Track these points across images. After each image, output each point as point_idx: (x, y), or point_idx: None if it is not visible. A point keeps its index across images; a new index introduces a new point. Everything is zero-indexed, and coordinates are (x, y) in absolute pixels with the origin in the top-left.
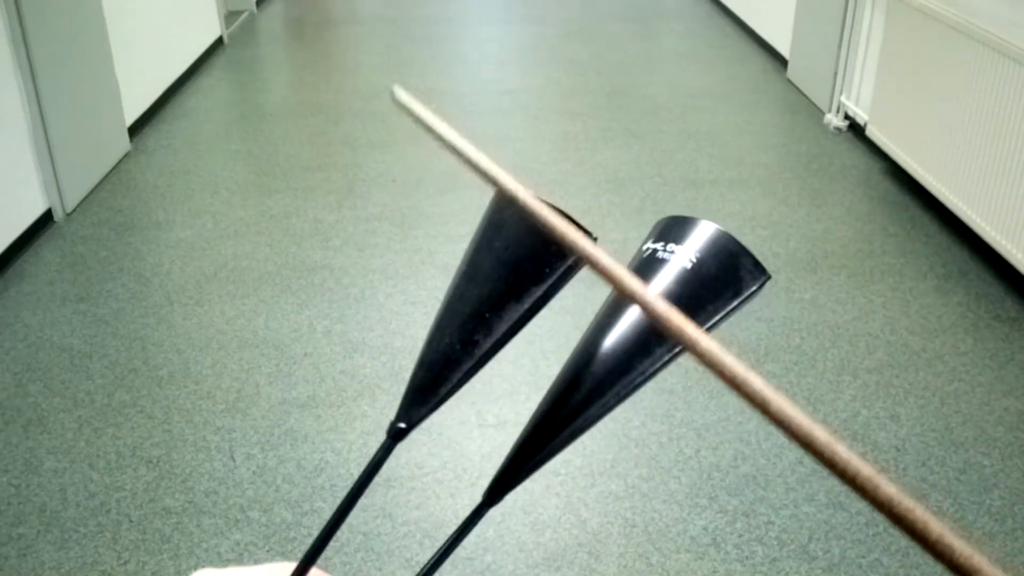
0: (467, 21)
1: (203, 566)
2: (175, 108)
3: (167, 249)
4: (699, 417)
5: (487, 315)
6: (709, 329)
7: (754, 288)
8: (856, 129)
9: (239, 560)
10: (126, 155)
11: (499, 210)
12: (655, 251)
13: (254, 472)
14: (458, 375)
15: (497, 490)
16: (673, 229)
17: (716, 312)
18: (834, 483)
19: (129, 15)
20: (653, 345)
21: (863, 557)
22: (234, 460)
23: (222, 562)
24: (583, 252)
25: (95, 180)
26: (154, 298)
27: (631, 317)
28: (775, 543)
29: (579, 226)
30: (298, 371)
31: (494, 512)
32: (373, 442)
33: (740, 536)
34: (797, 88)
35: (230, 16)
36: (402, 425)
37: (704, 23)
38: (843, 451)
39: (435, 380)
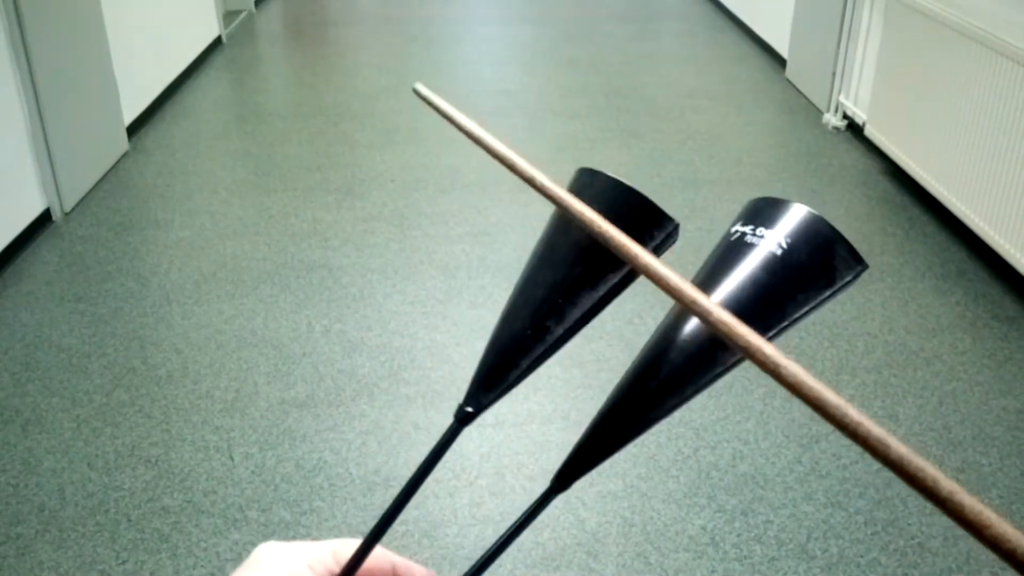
0: (466, 21)
1: (202, 566)
2: (174, 108)
3: (166, 249)
4: (697, 416)
5: (560, 301)
6: (798, 319)
7: (849, 278)
8: (855, 129)
9: (237, 560)
10: (125, 154)
11: (579, 194)
12: (743, 235)
13: (252, 471)
14: (527, 361)
15: (567, 476)
16: (764, 211)
17: (807, 302)
18: (833, 482)
19: (128, 14)
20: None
21: (861, 556)
22: (232, 459)
23: (220, 562)
24: (627, 255)
25: (93, 179)
26: (153, 298)
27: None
28: (774, 542)
29: (656, 213)
30: (297, 371)
31: (493, 512)
32: (372, 442)
33: (739, 535)
34: (796, 88)
35: (229, 15)
36: (470, 409)
37: (703, 23)
38: (854, 413)
39: (504, 365)
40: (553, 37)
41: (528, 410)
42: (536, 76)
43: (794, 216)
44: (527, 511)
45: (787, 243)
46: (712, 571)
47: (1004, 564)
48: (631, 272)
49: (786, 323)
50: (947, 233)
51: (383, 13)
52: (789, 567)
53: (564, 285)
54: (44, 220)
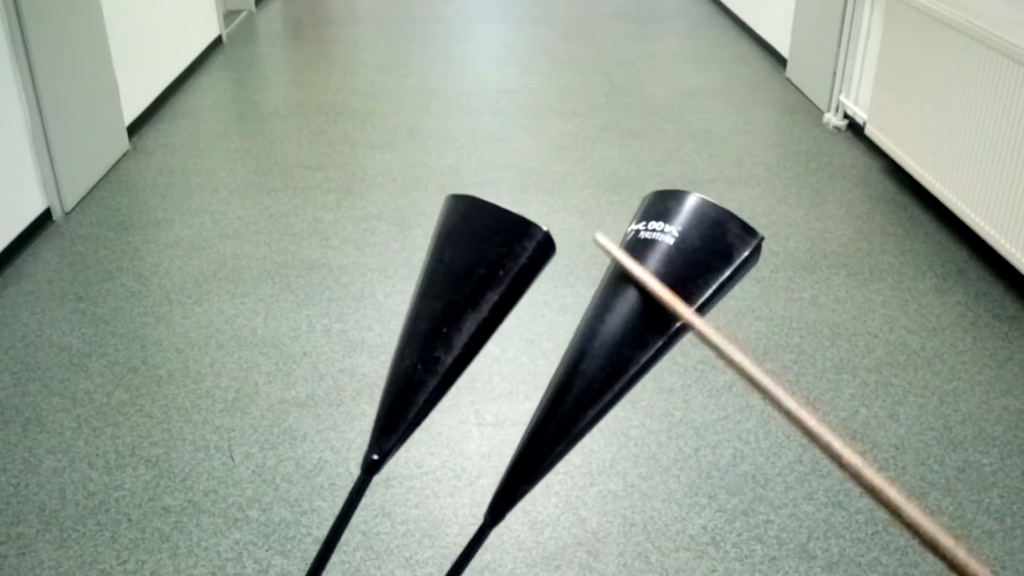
0: (466, 21)
1: (203, 565)
2: (174, 107)
3: (166, 248)
4: (698, 416)
5: (445, 329)
6: (707, 303)
7: (746, 252)
8: (855, 128)
9: (238, 559)
10: (125, 154)
11: (448, 218)
12: (637, 232)
13: (253, 471)
14: (424, 396)
15: (500, 508)
16: (655, 205)
17: (708, 285)
18: (833, 481)
19: (128, 14)
20: (646, 335)
21: (862, 556)
22: (233, 459)
23: (221, 561)
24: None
25: (94, 179)
26: (153, 297)
27: (621, 311)
28: (774, 542)
29: (522, 225)
30: (297, 370)
31: None
32: None
33: (739, 535)
34: (796, 87)
35: (229, 15)
36: (375, 457)
37: (704, 23)
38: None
39: (402, 405)
40: (553, 36)
41: (528, 410)
42: (536, 75)
43: (681, 205)
44: (465, 549)
45: (678, 232)
46: (713, 570)
47: (1005, 564)
48: (512, 286)
49: (694, 308)
50: (948, 232)
51: (383, 13)
52: (790, 567)
53: (447, 312)
54: (44, 220)
